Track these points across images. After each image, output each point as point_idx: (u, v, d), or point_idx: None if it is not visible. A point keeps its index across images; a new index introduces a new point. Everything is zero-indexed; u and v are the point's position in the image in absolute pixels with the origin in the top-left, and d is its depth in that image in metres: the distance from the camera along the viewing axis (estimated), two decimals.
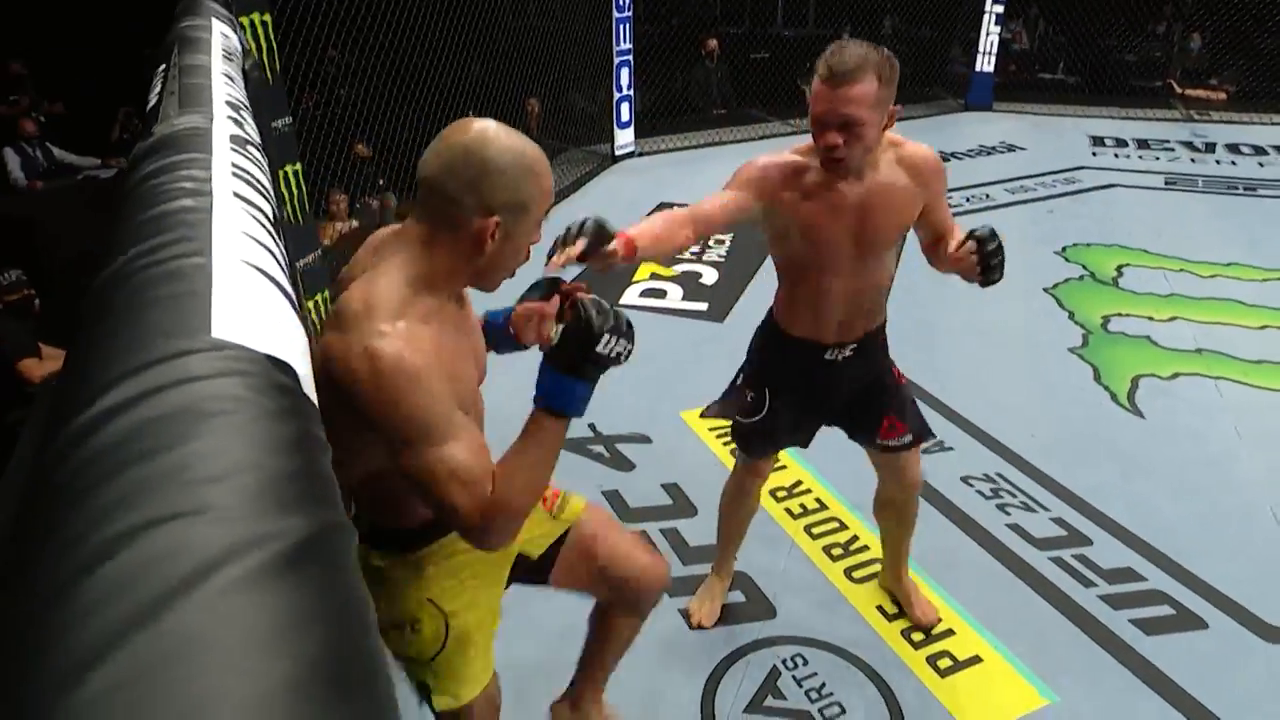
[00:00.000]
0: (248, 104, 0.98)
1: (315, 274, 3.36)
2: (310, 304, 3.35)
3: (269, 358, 0.40)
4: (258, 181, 0.65)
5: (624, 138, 6.12)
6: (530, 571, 1.40)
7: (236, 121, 0.79)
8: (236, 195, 0.57)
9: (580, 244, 1.24)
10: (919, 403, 1.93)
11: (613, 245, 1.31)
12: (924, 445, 1.90)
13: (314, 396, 0.44)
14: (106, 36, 6.49)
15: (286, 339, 0.43)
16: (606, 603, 1.53)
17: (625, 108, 6.04)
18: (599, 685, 1.65)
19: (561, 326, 1.07)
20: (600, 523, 1.45)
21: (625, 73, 5.90)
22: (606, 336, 1.04)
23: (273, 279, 0.49)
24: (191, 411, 0.34)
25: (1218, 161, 6.07)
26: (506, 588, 1.38)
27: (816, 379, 1.79)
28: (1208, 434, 2.90)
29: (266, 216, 0.60)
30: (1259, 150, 6.28)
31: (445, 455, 0.98)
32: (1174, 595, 2.20)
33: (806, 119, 1.52)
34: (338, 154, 4.02)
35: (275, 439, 0.34)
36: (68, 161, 6.09)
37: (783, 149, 1.62)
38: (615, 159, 6.08)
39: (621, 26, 5.74)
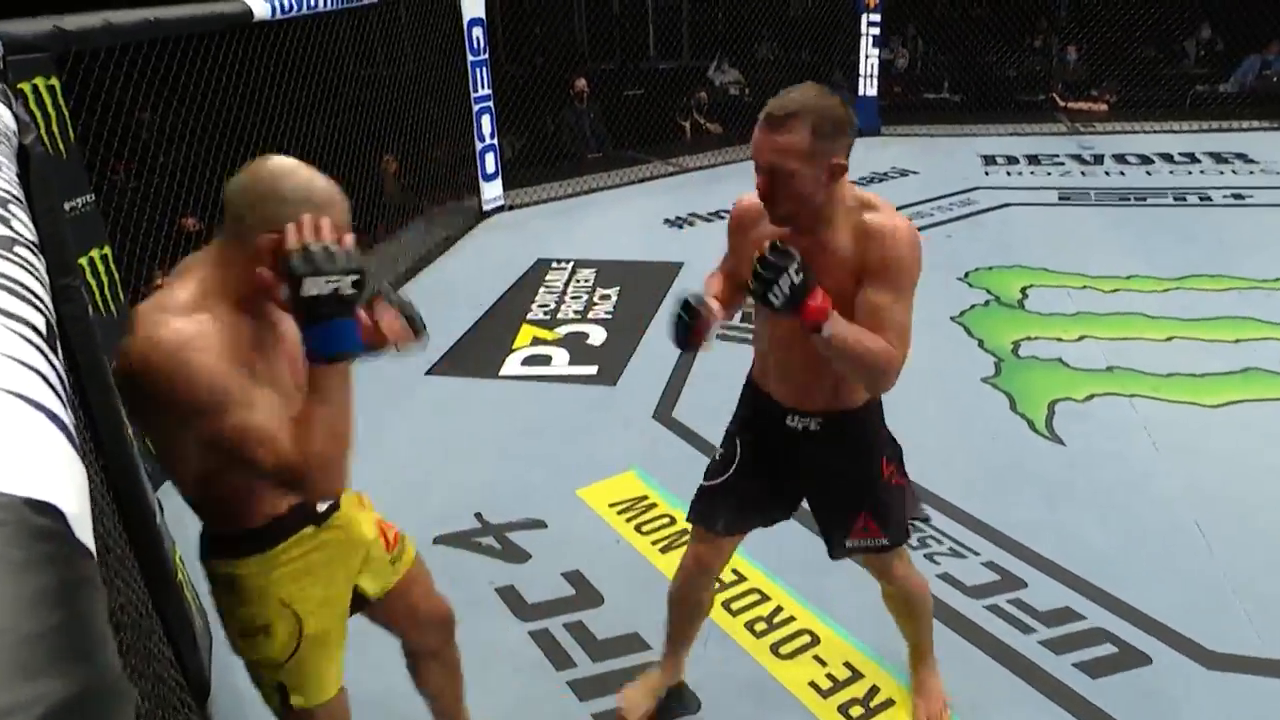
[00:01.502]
0: (19, 195, 0.96)
1: None
2: None
3: (25, 501, 0.39)
4: (25, 288, 0.64)
5: (491, 191, 6.15)
6: (365, 606, 1.66)
7: (1, 218, 0.77)
8: None
9: None
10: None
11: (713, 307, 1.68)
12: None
13: (89, 539, 0.43)
14: None
15: (51, 474, 0.42)
16: (412, 644, 1.80)
17: (490, 158, 6.09)
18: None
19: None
20: (420, 574, 1.74)
21: (487, 120, 5.97)
22: (307, 282, 1.17)
23: (38, 404, 0.48)
24: None
25: (1107, 173, 6.66)
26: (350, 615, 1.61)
27: (778, 445, 1.83)
28: (1127, 454, 3.11)
29: (38, 330, 0.58)
30: (1144, 159, 6.93)
31: (238, 420, 1.19)
32: (1115, 631, 2.33)
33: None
34: (161, 229, 3.88)
35: (25, 595, 0.34)
36: None
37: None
38: (484, 214, 6.10)
39: (478, 70, 5.82)
